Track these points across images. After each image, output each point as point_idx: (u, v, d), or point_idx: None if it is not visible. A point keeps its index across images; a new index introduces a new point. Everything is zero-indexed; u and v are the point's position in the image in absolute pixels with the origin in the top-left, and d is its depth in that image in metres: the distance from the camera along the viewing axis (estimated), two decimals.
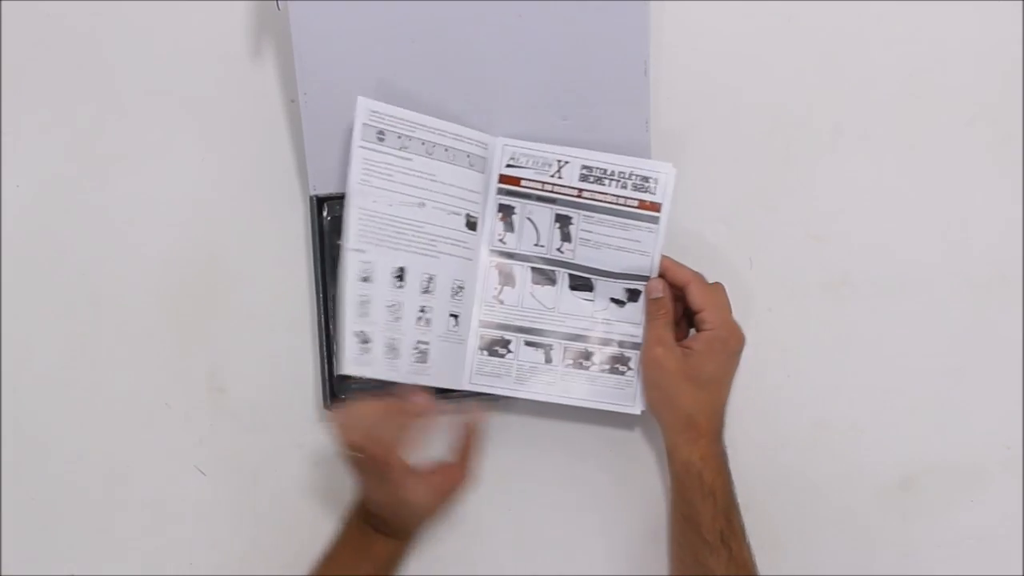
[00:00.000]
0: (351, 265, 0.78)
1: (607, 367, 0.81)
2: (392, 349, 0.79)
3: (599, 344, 0.81)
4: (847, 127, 0.89)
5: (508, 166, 0.82)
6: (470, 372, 0.81)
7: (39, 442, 0.84)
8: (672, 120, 0.87)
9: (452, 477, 0.79)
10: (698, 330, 0.79)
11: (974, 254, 0.88)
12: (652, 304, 0.80)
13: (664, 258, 0.81)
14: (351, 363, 0.77)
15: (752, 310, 0.84)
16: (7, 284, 0.86)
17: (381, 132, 0.79)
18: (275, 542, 0.84)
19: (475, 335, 0.81)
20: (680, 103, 0.88)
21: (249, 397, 0.85)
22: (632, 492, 0.84)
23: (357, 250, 0.78)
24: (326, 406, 0.82)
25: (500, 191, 0.82)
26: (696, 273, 0.80)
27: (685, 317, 0.82)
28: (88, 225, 0.87)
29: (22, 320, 0.85)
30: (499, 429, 0.84)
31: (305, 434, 0.84)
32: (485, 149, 0.82)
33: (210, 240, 0.87)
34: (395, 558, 0.79)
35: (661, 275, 0.81)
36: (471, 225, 0.82)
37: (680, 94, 0.88)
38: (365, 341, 0.78)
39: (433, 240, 0.80)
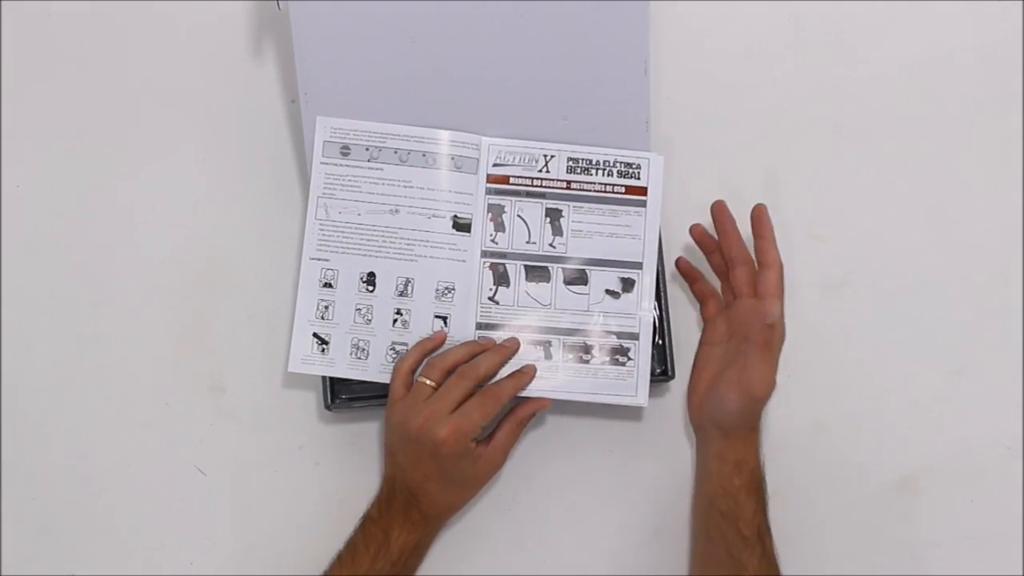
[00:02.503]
0: (310, 273, 0.81)
1: (607, 359, 0.81)
2: (360, 350, 0.81)
3: (598, 337, 0.81)
4: (847, 127, 0.89)
5: (495, 165, 0.82)
6: None
7: (39, 442, 0.84)
8: (672, 120, 0.87)
9: (495, 457, 0.79)
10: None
11: (974, 254, 0.88)
12: (769, 331, 0.76)
13: (769, 226, 0.79)
14: (298, 362, 0.81)
15: None
16: (7, 284, 0.86)
17: (345, 147, 0.82)
18: (275, 542, 0.83)
19: (472, 337, 0.81)
20: (680, 103, 0.88)
21: (249, 397, 0.85)
22: (635, 489, 0.84)
23: (316, 259, 0.81)
24: (326, 406, 0.82)
25: (489, 191, 0.82)
26: (780, 259, 0.78)
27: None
28: (88, 225, 0.87)
29: (22, 320, 0.85)
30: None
31: (305, 434, 0.84)
32: (476, 150, 0.82)
33: (210, 240, 0.87)
34: (418, 550, 0.79)
35: (755, 236, 0.79)
36: (461, 226, 0.82)
37: (680, 94, 0.88)
38: (324, 342, 0.81)
39: (410, 244, 0.82)
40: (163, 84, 0.88)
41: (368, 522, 0.78)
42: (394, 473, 0.78)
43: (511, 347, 0.80)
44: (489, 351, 0.79)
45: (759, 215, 0.79)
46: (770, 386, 0.77)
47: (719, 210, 0.81)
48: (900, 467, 0.85)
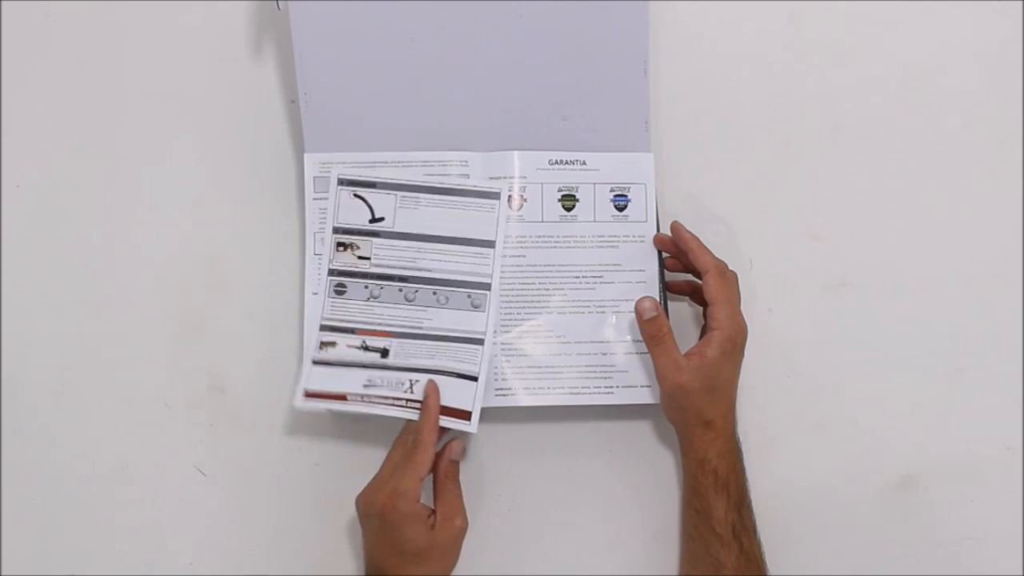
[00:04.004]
0: (313, 308, 0.81)
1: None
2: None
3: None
4: (847, 127, 0.89)
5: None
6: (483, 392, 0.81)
7: (39, 442, 0.84)
8: (672, 120, 0.87)
9: (452, 521, 0.76)
10: (706, 322, 0.78)
11: (974, 254, 0.88)
12: (650, 325, 0.78)
13: (691, 237, 0.80)
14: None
15: (752, 310, 0.83)
16: (7, 284, 0.86)
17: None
18: (275, 542, 0.83)
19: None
20: (680, 103, 0.88)
21: (249, 397, 0.85)
22: (635, 489, 0.84)
23: (317, 294, 0.81)
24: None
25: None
26: (719, 261, 0.79)
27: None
28: (88, 225, 0.87)
29: (22, 320, 0.85)
30: (497, 429, 0.84)
31: (305, 434, 0.84)
32: (466, 166, 0.83)
33: (210, 240, 0.87)
34: None
35: (681, 252, 0.81)
36: None
37: (680, 94, 0.88)
38: None
39: None
40: (163, 84, 0.88)
41: None
42: (366, 557, 0.77)
43: (432, 403, 0.77)
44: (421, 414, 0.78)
45: (676, 231, 0.81)
46: (668, 380, 0.77)
47: (660, 243, 0.83)
48: (900, 467, 0.85)
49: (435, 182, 0.82)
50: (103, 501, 0.84)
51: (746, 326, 0.79)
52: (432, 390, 0.78)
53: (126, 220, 0.87)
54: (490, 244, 0.82)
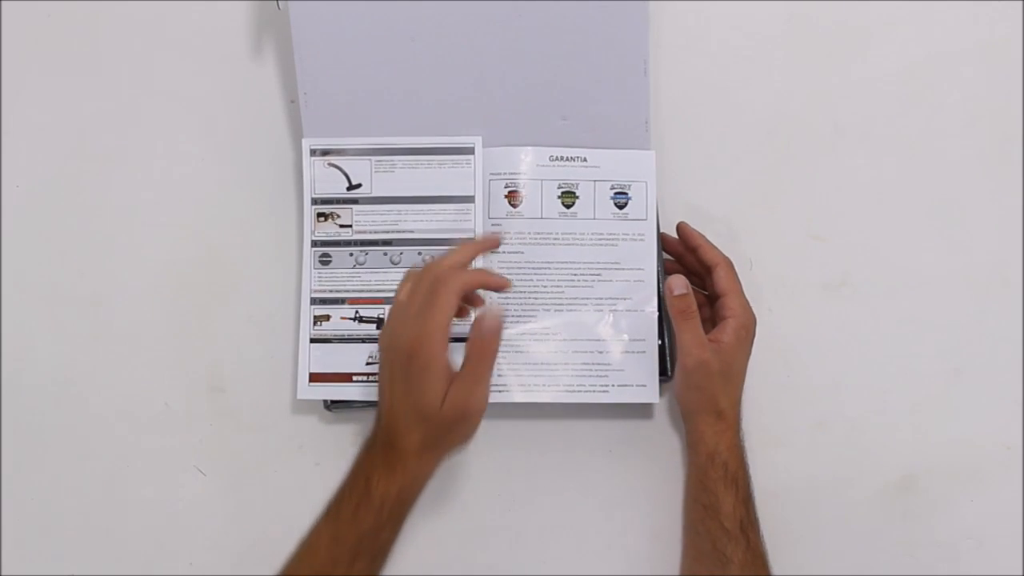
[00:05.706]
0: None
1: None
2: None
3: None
4: (847, 127, 0.89)
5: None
6: None
7: (39, 442, 0.84)
8: (672, 120, 0.87)
9: (469, 389, 0.67)
10: (719, 315, 0.79)
11: (974, 254, 0.88)
12: (680, 301, 0.77)
13: (698, 235, 0.81)
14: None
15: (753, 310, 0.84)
16: (7, 284, 0.86)
17: None
18: (275, 542, 0.83)
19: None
20: (680, 103, 0.88)
21: (249, 397, 0.85)
22: (635, 489, 0.84)
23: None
24: (326, 406, 0.82)
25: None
26: (726, 256, 0.81)
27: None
28: (88, 225, 0.87)
29: (22, 320, 0.86)
30: (497, 427, 0.84)
31: (305, 434, 0.84)
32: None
33: (210, 240, 0.87)
34: (401, 501, 0.71)
35: (690, 249, 0.81)
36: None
37: (680, 94, 0.88)
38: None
39: None
40: (163, 84, 0.88)
41: (354, 466, 0.72)
42: (378, 403, 0.71)
43: (492, 240, 0.74)
44: (464, 244, 0.71)
45: (683, 230, 0.82)
46: (691, 355, 0.76)
47: (672, 240, 0.84)
48: (900, 467, 0.85)
49: (408, 143, 0.82)
50: (103, 501, 0.84)
51: (754, 313, 0.80)
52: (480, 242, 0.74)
53: (126, 219, 0.87)
54: (470, 199, 0.82)
